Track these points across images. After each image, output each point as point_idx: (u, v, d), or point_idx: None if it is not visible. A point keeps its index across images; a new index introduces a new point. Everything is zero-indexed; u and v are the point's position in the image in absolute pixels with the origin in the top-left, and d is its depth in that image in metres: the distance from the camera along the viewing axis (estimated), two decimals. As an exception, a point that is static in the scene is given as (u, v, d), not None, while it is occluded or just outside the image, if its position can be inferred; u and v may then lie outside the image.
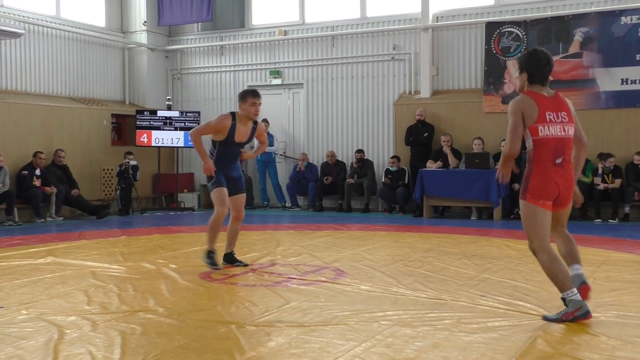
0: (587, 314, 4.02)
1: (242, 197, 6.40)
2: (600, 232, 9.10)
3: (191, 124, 13.72)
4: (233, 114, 6.41)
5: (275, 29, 14.19)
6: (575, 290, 4.07)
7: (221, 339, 3.76)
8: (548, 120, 4.15)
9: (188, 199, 14.17)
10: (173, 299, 4.88)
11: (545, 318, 4.15)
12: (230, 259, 6.35)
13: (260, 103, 6.35)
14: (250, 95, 6.27)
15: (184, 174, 14.71)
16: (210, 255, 6.15)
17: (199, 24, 14.78)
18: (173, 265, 6.33)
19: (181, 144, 13.69)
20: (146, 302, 4.73)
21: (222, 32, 14.74)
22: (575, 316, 4.01)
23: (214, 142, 6.51)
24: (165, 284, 5.44)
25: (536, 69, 4.24)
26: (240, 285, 5.41)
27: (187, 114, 13.77)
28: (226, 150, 6.30)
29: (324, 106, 13.85)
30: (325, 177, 13.02)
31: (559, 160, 4.17)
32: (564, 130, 4.21)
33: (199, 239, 8.72)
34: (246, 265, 6.29)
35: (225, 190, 6.18)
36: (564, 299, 4.11)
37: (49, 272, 6.00)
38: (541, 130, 4.15)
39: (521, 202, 4.29)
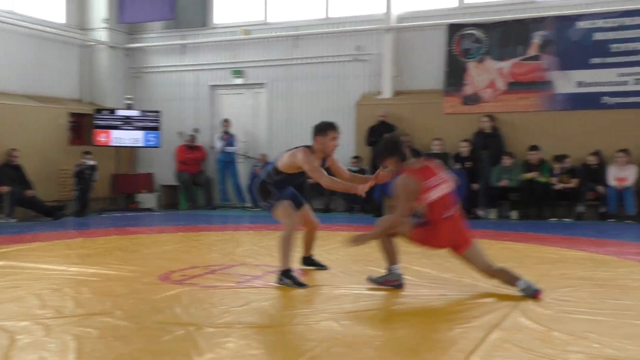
0: (401, 285, 5.01)
1: (308, 208, 6.03)
2: (556, 231, 9.27)
3: (151, 124, 13.60)
4: (309, 147, 5.77)
5: (237, 28, 14.13)
6: (398, 265, 5.05)
7: (179, 341, 3.72)
8: (431, 186, 4.87)
9: (147, 199, 14.02)
10: (131, 301, 4.81)
11: (369, 278, 5.06)
12: (309, 262, 6.14)
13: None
14: (331, 130, 5.68)
15: (143, 174, 14.55)
16: (288, 274, 5.34)
17: (161, 22, 14.62)
18: (131, 267, 6.25)
19: (141, 143, 13.54)
20: (103, 305, 4.66)
21: (184, 31, 14.62)
22: (394, 285, 4.99)
23: (279, 171, 5.71)
24: (123, 286, 5.37)
25: (400, 150, 4.98)
26: (200, 286, 5.37)
27: (148, 114, 13.64)
28: (292, 178, 5.79)
29: (287, 106, 13.84)
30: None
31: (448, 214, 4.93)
32: (444, 187, 4.96)
33: (158, 240, 8.64)
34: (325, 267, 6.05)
35: (288, 202, 5.63)
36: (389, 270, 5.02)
37: (0, 275, 5.86)
38: (428, 196, 4.85)
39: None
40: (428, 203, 4.85)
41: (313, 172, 5.51)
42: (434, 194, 4.85)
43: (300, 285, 5.20)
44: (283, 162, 5.61)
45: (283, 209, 5.54)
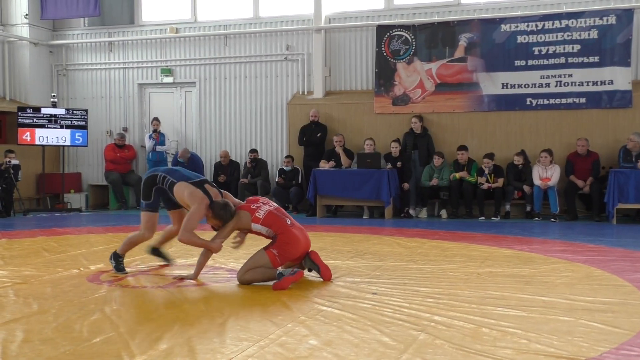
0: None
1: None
2: (484, 229, 9.51)
3: (78, 122, 13.26)
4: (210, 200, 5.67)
5: (166, 26, 13.92)
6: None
7: (110, 343, 3.65)
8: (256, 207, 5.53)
9: (75, 199, 13.65)
10: (58, 303, 4.67)
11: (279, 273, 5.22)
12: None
13: None
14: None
15: (71, 173, 14.17)
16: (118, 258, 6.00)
17: (86, 18, 14.26)
18: (59, 269, 6.07)
19: (67, 142, 13.17)
20: (29, 308, 4.52)
21: (111, 28, 14.30)
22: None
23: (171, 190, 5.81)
24: (50, 288, 5.21)
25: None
26: (132, 287, 5.27)
27: (74, 112, 13.28)
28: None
29: (217, 105, 13.72)
30: (219, 174, 12.91)
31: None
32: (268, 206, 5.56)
33: (86, 240, 8.43)
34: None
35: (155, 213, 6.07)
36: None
37: None
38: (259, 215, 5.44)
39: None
40: (265, 220, 5.40)
41: (187, 228, 5.52)
42: (263, 212, 5.44)
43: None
44: (181, 193, 5.63)
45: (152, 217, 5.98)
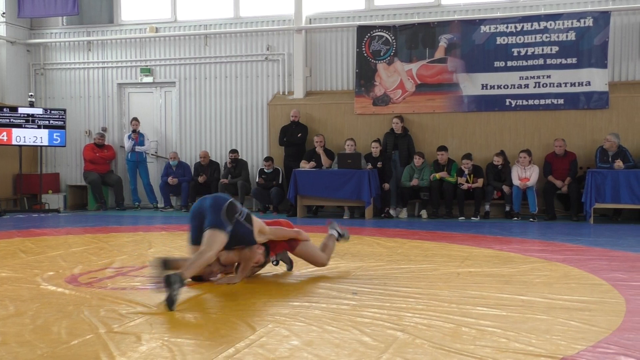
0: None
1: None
2: (464, 229, 9.56)
3: (56, 122, 13.15)
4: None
5: (146, 26, 13.84)
6: None
7: (88, 345, 3.61)
8: None
9: (53, 200, 13.52)
10: (36, 305, 4.62)
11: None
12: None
13: None
14: None
15: (49, 174, 14.03)
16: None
17: (64, 17, 14.14)
18: (36, 270, 6.01)
19: (45, 142, 13.04)
20: (5, 310, 4.46)
21: (90, 27, 14.19)
22: None
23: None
24: (27, 289, 5.15)
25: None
26: (110, 288, 5.22)
27: (52, 112, 13.17)
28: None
29: (198, 105, 13.67)
30: (200, 175, 12.87)
31: None
32: None
33: (65, 241, 8.35)
34: None
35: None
36: None
37: None
38: None
39: None
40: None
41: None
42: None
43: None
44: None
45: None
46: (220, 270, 5.42)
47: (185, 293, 4.98)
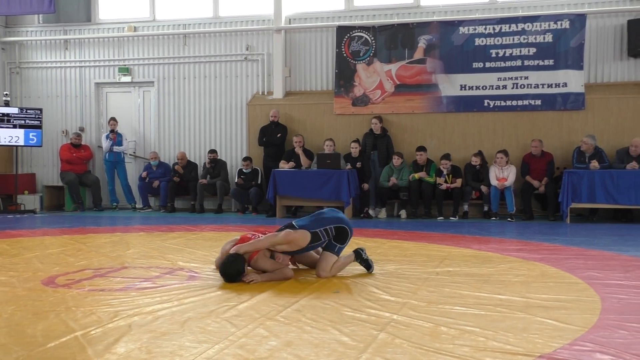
0: None
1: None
2: (443, 229, 9.61)
3: (32, 122, 13.00)
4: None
5: (124, 25, 13.74)
6: None
7: (65, 348, 3.57)
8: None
9: (29, 200, 13.37)
10: (11, 307, 4.56)
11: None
12: None
13: None
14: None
15: (25, 174, 13.87)
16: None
17: (40, 15, 13.98)
18: (12, 272, 5.93)
19: (21, 142, 12.90)
20: (-19, 312, 4.40)
21: (67, 26, 14.05)
22: None
23: None
24: (3, 292, 5.09)
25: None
26: (87, 290, 5.18)
27: (28, 111, 13.02)
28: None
29: (176, 105, 13.60)
30: (176, 174, 12.80)
31: None
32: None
33: (41, 243, 8.26)
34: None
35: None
36: None
37: None
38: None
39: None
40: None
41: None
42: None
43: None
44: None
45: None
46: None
47: (164, 295, 4.95)
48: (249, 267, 5.52)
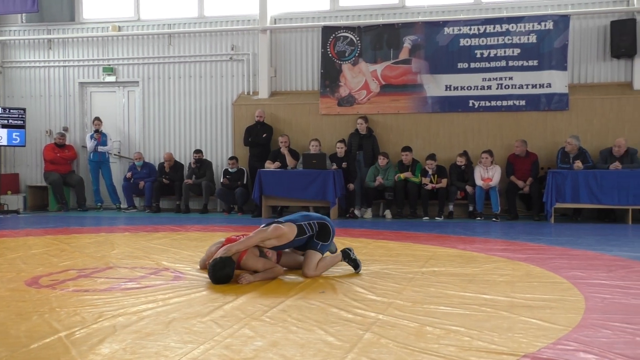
0: None
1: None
2: (428, 229, 9.64)
3: (16, 122, 12.90)
4: None
5: (108, 24, 13.66)
6: None
7: (48, 349, 3.55)
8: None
9: (12, 201, 13.26)
10: (-5, 308, 4.53)
11: None
12: None
13: None
14: None
15: (8, 174, 13.77)
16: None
17: (24, 14, 13.87)
18: (-5, 273, 5.88)
19: (4, 142, 12.79)
20: (-36, 313, 4.36)
21: (50, 25, 13.95)
22: None
23: None
24: (-14, 292, 5.05)
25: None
26: (72, 290, 5.14)
27: (11, 111, 12.91)
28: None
29: (161, 105, 13.54)
30: (165, 176, 12.76)
31: None
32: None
33: (24, 243, 8.19)
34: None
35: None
36: None
37: None
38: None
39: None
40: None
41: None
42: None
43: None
44: None
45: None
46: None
47: (149, 295, 4.93)
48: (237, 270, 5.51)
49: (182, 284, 5.37)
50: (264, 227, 5.69)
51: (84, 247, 7.69)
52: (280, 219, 5.81)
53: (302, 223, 5.71)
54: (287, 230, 5.61)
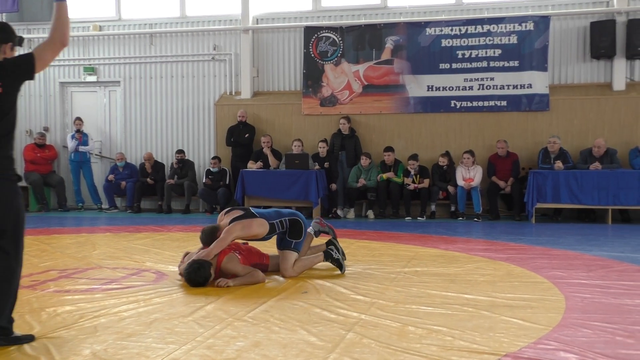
0: None
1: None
2: (410, 229, 9.68)
3: (-5, 121, 12.73)
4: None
5: (89, 24, 13.57)
6: None
7: (30, 350, 3.52)
8: None
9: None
10: (-26, 310, 4.48)
11: None
12: None
13: None
14: None
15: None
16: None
17: (4, 14, 13.72)
18: (-26, 274, 5.81)
19: (-17, 142, 12.62)
20: (-58, 315, 4.31)
21: (30, 24, 13.83)
22: None
23: None
24: (-35, 294, 4.99)
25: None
26: (53, 291, 5.11)
27: (-9, 110, 12.75)
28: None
29: (143, 105, 13.47)
30: (149, 176, 12.69)
31: None
32: None
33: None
34: None
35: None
36: None
37: None
38: None
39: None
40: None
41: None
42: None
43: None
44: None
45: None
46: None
47: (130, 296, 4.91)
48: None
49: (164, 284, 5.35)
50: (233, 218, 5.57)
51: (65, 247, 7.64)
52: (254, 211, 5.72)
53: (275, 222, 5.65)
54: (259, 232, 5.56)
